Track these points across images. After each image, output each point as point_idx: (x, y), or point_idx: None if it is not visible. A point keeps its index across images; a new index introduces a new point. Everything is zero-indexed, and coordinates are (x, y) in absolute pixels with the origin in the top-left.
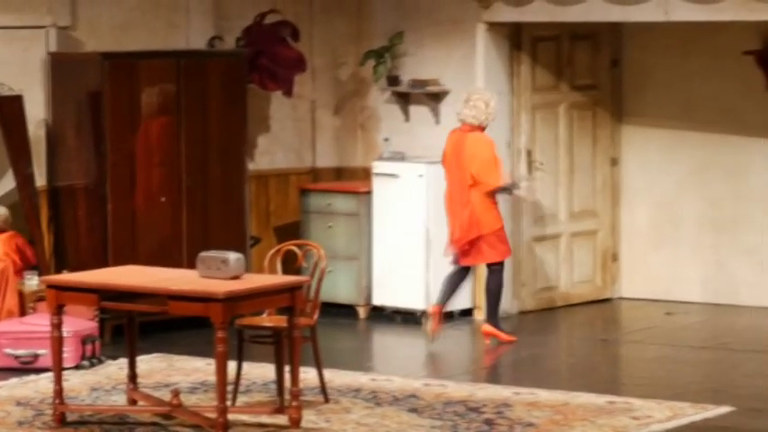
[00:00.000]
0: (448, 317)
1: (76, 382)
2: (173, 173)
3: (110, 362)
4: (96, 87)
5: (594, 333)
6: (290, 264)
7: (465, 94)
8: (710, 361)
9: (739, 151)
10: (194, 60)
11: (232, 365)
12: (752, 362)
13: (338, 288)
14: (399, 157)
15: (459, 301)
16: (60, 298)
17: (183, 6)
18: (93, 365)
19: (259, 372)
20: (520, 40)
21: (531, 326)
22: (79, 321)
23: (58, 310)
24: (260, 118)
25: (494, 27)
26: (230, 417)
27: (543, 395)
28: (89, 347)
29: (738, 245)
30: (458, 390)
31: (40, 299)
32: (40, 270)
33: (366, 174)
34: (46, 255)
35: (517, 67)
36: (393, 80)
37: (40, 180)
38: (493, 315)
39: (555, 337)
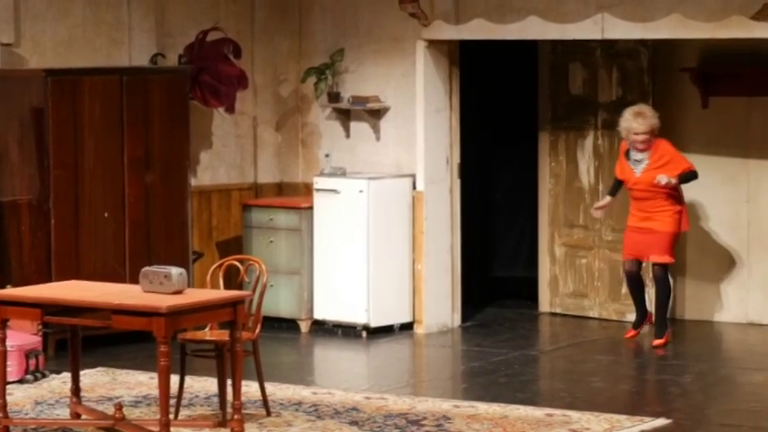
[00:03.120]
0: (388, 330)
1: (20, 395)
2: (116, 188)
3: (53, 376)
4: (39, 104)
5: (533, 346)
6: (233, 278)
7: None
8: (647, 373)
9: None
10: (137, 77)
11: (175, 379)
12: (687, 374)
13: (280, 302)
14: (340, 172)
15: (400, 315)
16: (4, 312)
17: (126, 24)
18: (36, 379)
19: (201, 385)
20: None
21: (474, 339)
22: (23, 336)
23: (2, 325)
24: (202, 134)
25: (433, 45)
26: (173, 430)
27: (483, 408)
28: (33, 362)
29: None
30: (398, 403)
31: None
32: None
33: (307, 189)
34: None
35: (456, 85)
36: (334, 97)
37: None
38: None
39: (495, 350)
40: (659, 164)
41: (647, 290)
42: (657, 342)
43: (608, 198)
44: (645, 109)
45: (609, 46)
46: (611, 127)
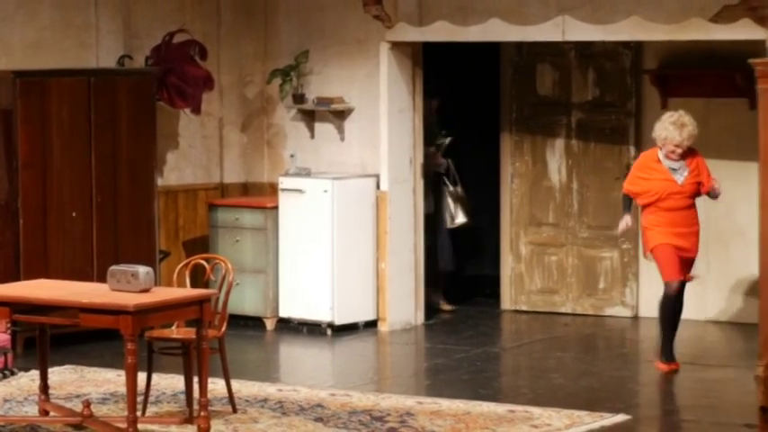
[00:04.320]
0: (352, 328)
1: None
2: (84, 188)
3: (22, 373)
4: (8, 105)
5: (495, 343)
6: (199, 277)
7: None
8: (608, 369)
9: None
10: (104, 78)
11: (142, 376)
12: (648, 371)
13: (245, 300)
14: (305, 173)
15: (364, 312)
16: None
17: (94, 26)
18: (5, 377)
19: (168, 382)
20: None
21: (437, 336)
22: None
23: None
24: (169, 135)
25: (397, 46)
26: (140, 427)
27: (445, 404)
28: (1, 359)
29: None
30: (362, 399)
31: None
32: None
33: (273, 189)
34: None
35: (419, 86)
36: (299, 98)
37: None
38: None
39: (458, 347)
40: (696, 173)
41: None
42: (665, 367)
43: (628, 217)
44: (687, 119)
45: (585, 47)
46: (587, 126)
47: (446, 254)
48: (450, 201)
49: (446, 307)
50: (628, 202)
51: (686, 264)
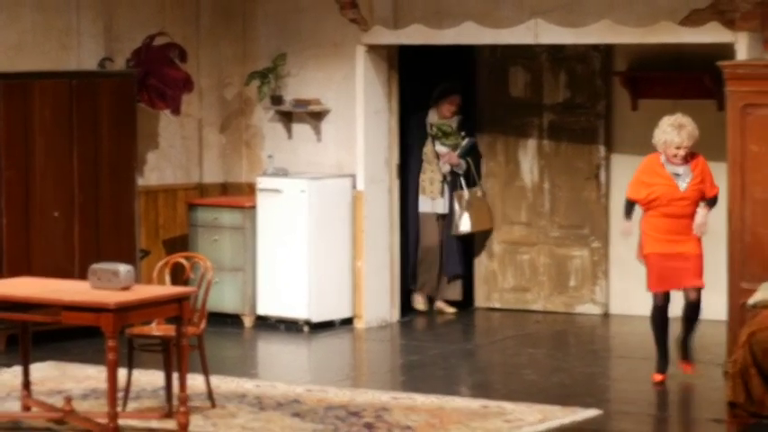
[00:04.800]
0: (329, 325)
1: None
2: (65, 188)
3: (4, 370)
4: None
5: (469, 340)
6: (179, 275)
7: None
8: (579, 366)
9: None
10: (86, 81)
11: (122, 373)
12: (618, 367)
13: (224, 298)
14: (282, 173)
15: (341, 310)
16: None
17: (75, 29)
18: None
19: (148, 379)
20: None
21: (412, 333)
22: None
23: None
24: (149, 136)
25: (373, 49)
26: (121, 422)
27: (420, 399)
28: None
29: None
30: (339, 395)
31: None
32: None
33: (251, 189)
34: None
35: (395, 88)
36: (277, 100)
37: None
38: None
39: (432, 344)
40: (700, 179)
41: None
42: (690, 370)
43: (629, 225)
44: (685, 120)
45: (556, 50)
46: (559, 128)
47: (452, 258)
48: (457, 206)
49: (447, 309)
50: (630, 208)
51: (687, 266)
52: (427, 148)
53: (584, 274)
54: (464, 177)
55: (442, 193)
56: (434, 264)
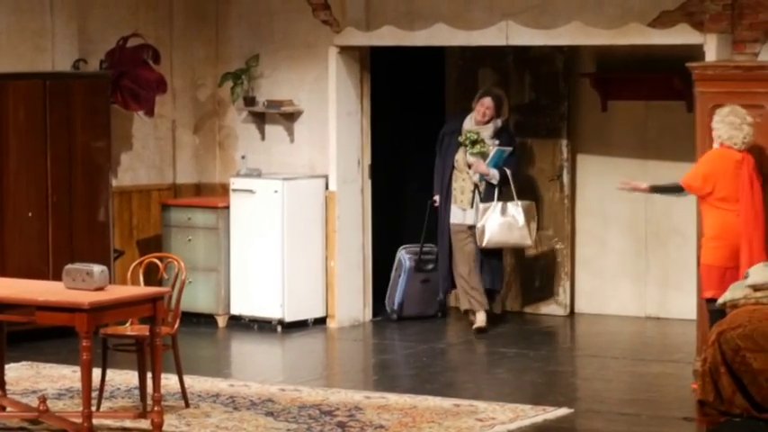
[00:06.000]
0: (302, 325)
1: None
2: (39, 189)
3: None
4: None
5: (441, 339)
6: (152, 275)
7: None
8: (550, 365)
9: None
10: (60, 82)
11: (97, 372)
12: (589, 366)
13: (198, 298)
14: (256, 173)
15: (314, 310)
16: None
17: (49, 31)
18: None
19: (122, 378)
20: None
21: (384, 332)
22: None
23: None
24: (123, 136)
25: (345, 51)
26: (95, 421)
27: (393, 399)
28: None
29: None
30: (312, 394)
31: None
32: None
33: (224, 190)
34: None
35: (367, 89)
36: (249, 101)
37: None
38: None
39: (405, 343)
40: None
41: None
42: None
43: (646, 186)
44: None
45: (522, 51)
46: (524, 128)
47: (481, 271)
48: (481, 218)
49: (480, 324)
50: (671, 188)
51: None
52: (459, 156)
53: (548, 275)
54: (500, 189)
55: (472, 204)
56: (473, 275)
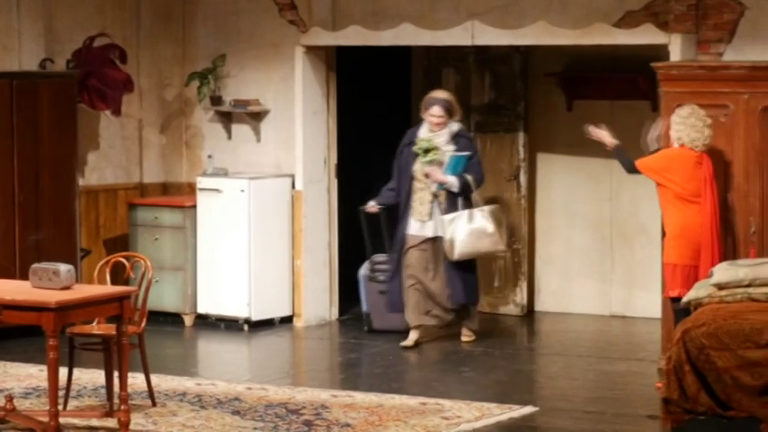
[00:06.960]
0: (269, 323)
1: None
2: (6, 188)
3: None
4: None
5: (406, 338)
6: (119, 275)
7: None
8: (515, 364)
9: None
10: (26, 81)
11: (64, 371)
12: (554, 364)
13: (165, 297)
14: (222, 173)
15: (280, 309)
16: None
17: (16, 30)
18: None
19: (89, 377)
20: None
21: (351, 331)
22: None
23: None
24: (90, 136)
25: (311, 50)
26: (62, 420)
27: (359, 397)
28: None
29: None
30: (278, 393)
31: None
32: None
33: (191, 189)
34: None
35: (333, 89)
36: (216, 100)
37: None
38: None
39: (371, 342)
40: None
41: None
42: None
43: (612, 143)
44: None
45: (482, 51)
46: (484, 128)
47: (455, 286)
48: (444, 231)
49: (467, 338)
50: (627, 160)
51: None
52: (417, 166)
53: (506, 276)
54: (462, 197)
55: (431, 215)
56: (425, 293)
